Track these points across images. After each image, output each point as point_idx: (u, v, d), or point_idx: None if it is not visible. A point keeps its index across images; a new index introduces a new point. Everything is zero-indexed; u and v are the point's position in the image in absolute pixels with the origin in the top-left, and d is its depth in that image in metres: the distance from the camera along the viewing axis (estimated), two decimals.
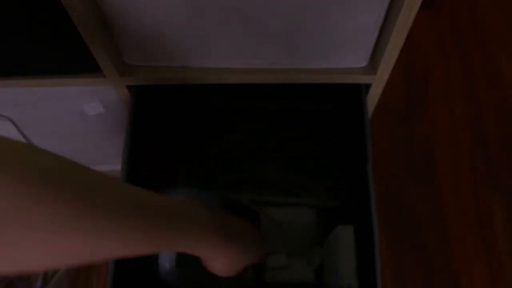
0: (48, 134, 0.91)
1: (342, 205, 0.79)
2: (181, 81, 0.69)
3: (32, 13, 0.58)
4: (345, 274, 0.64)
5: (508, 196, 1.15)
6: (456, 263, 1.09)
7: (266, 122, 0.85)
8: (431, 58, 1.29)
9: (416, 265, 1.10)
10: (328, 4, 0.56)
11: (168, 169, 0.84)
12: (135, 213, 0.39)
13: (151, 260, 0.65)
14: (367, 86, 0.70)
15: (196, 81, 0.69)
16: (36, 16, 0.59)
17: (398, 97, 1.25)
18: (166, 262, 0.64)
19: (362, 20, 0.59)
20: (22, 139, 0.91)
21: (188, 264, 0.61)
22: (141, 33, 0.62)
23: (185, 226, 0.46)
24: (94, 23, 0.58)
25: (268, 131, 0.86)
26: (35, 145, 0.33)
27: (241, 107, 0.84)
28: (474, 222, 1.13)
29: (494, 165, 1.18)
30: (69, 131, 0.90)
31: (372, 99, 0.73)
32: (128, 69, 0.68)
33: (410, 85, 1.26)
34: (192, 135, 0.86)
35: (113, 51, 0.65)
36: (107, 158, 1.02)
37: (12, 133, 0.88)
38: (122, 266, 0.64)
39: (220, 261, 0.52)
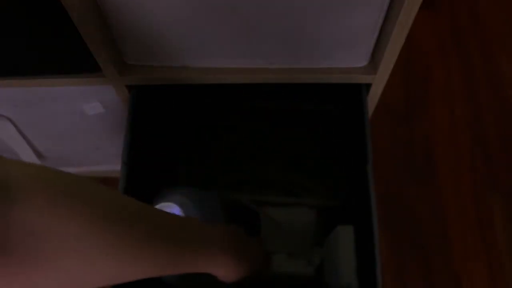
0: (48, 134, 0.91)
1: (342, 205, 0.79)
2: (181, 81, 0.69)
3: (32, 13, 0.58)
4: (345, 274, 0.64)
5: (508, 196, 1.15)
6: (456, 263, 1.09)
7: (266, 122, 0.85)
8: (431, 58, 1.29)
9: (416, 265, 1.10)
10: (328, 4, 0.56)
11: (168, 169, 0.84)
12: (168, 240, 0.42)
13: None
14: (367, 86, 0.70)
15: (196, 81, 0.69)
16: (36, 16, 0.59)
17: (398, 97, 1.25)
18: None
19: (362, 20, 0.59)
20: (22, 139, 0.91)
21: None
22: (141, 33, 0.62)
23: (203, 247, 0.48)
24: (94, 23, 0.58)
25: (268, 131, 0.86)
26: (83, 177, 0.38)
27: (241, 107, 0.84)
28: (474, 222, 1.12)
29: (494, 165, 1.18)
30: (68, 131, 0.90)
31: (372, 99, 0.73)
32: (128, 69, 0.68)
33: (410, 85, 1.26)
34: (192, 135, 0.86)
35: (113, 51, 0.65)
36: (107, 158, 1.02)
37: (11, 133, 0.88)
38: None
39: (228, 273, 0.52)
